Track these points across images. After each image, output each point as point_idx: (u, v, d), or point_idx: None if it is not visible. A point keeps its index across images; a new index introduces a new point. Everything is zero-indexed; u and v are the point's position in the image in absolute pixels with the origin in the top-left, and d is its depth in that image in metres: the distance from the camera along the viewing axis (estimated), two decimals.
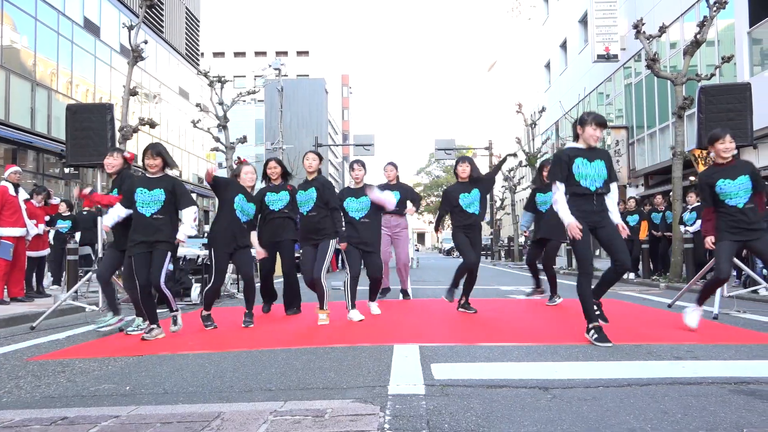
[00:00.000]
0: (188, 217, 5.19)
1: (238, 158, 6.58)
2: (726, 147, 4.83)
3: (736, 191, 4.84)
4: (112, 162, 5.63)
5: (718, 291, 6.10)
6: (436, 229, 7.07)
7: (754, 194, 4.88)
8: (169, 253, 5.09)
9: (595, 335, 4.36)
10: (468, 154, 53.13)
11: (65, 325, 6.18)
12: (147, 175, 5.20)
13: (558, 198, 4.55)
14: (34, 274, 9.20)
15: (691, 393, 3.03)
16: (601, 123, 4.60)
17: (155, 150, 5.18)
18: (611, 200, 4.70)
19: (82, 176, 21.21)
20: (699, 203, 10.52)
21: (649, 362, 3.83)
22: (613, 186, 4.71)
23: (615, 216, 4.64)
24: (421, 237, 77.75)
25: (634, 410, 2.74)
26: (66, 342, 5.19)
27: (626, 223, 12.35)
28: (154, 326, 5.11)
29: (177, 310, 5.39)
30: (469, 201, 6.39)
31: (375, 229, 6.32)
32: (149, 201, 5.02)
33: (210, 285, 5.69)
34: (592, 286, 4.59)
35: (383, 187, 7.12)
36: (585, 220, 4.46)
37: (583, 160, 4.55)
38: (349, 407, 2.83)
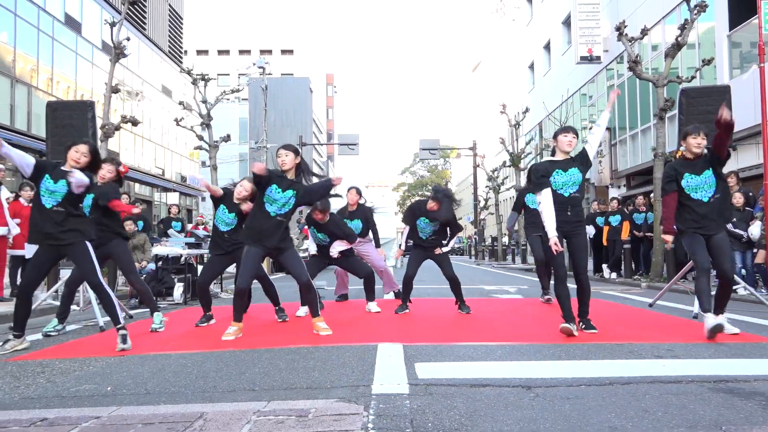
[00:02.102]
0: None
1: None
2: (698, 143, 4.80)
3: (701, 185, 4.79)
4: (104, 173, 5.55)
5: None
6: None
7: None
8: (89, 244, 4.58)
9: (563, 325, 4.77)
10: (452, 154, 53.32)
11: (45, 325, 6.08)
12: (62, 168, 4.59)
13: (545, 209, 4.79)
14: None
15: (672, 391, 3.07)
16: (568, 128, 5.00)
17: (90, 147, 4.65)
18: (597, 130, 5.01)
19: None
20: None
21: (630, 361, 3.87)
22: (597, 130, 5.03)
23: (603, 120, 5.01)
24: None
25: (616, 408, 2.77)
26: (46, 342, 5.12)
27: (608, 223, 12.55)
28: (10, 337, 4.62)
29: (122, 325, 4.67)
30: (426, 225, 6.37)
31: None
32: (53, 191, 4.51)
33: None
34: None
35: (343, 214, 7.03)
36: (560, 230, 4.81)
37: (558, 170, 4.89)
38: (333, 407, 2.82)
